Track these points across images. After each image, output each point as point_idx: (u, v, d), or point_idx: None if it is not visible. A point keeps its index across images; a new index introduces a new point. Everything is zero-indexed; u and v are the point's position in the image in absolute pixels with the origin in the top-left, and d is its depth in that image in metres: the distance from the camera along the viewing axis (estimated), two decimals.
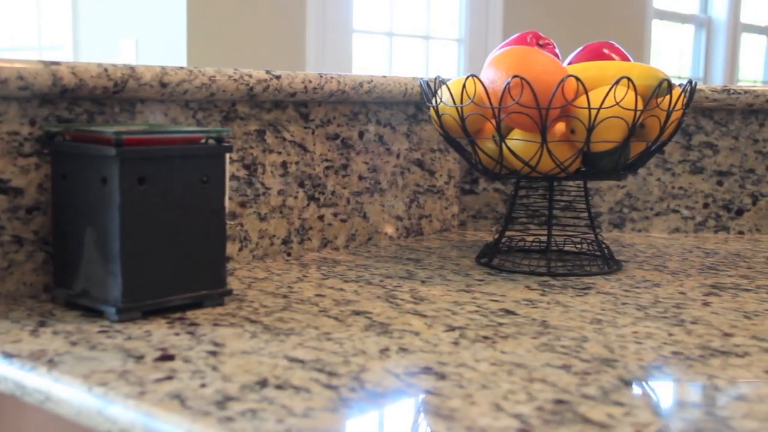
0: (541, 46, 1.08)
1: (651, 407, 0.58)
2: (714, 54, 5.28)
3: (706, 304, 0.88)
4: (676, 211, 1.34)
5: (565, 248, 1.17)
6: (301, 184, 1.10)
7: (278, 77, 1.02)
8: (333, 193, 1.14)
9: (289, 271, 1.01)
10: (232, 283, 0.94)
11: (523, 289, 0.93)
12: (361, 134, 1.17)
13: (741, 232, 1.35)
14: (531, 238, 1.21)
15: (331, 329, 0.76)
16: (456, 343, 0.73)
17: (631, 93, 0.95)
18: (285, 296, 0.88)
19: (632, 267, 1.07)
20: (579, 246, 1.16)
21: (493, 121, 0.99)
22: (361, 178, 1.17)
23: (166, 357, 0.67)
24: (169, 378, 0.62)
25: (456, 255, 1.13)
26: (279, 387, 0.61)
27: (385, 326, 0.78)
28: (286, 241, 1.09)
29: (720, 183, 1.34)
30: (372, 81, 1.13)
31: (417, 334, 0.75)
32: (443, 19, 3.78)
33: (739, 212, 1.35)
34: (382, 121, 1.19)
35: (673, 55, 5.20)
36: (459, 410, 0.57)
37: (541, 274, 1.01)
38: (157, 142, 0.79)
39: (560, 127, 1.00)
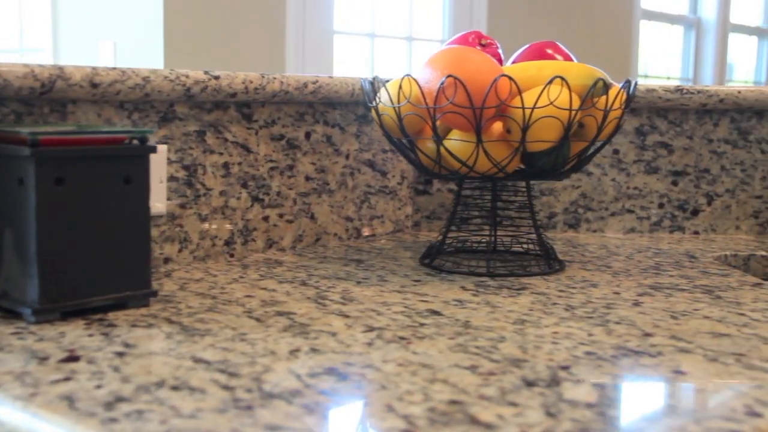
0: (483, 46, 1.08)
1: (544, 408, 0.58)
2: (703, 55, 5.28)
3: (636, 304, 0.88)
4: (631, 211, 1.34)
5: (513, 248, 1.16)
6: (245, 185, 1.10)
7: (217, 77, 1.02)
8: (278, 193, 1.14)
9: (228, 272, 1.01)
10: (167, 284, 0.94)
11: (458, 290, 0.93)
12: (307, 135, 1.16)
13: (696, 232, 1.34)
14: (479, 238, 1.21)
15: (248, 330, 0.76)
16: (370, 344, 0.72)
17: (566, 92, 0.95)
18: (214, 297, 0.88)
19: (576, 267, 1.07)
20: (525, 246, 1.16)
21: (430, 122, 0.98)
22: (308, 178, 1.17)
23: (72, 358, 0.67)
24: (67, 379, 0.62)
25: (404, 256, 1.12)
26: (175, 388, 0.61)
27: (305, 327, 0.77)
28: (228, 242, 1.09)
29: (675, 183, 1.34)
30: (317, 81, 1.13)
31: (334, 334, 0.75)
32: (426, 20, 3.78)
33: (695, 212, 1.34)
34: (330, 122, 1.19)
35: (662, 56, 5.20)
36: (349, 411, 0.57)
37: (480, 275, 1.01)
38: (77, 143, 0.78)
39: (497, 126, 0.99)
